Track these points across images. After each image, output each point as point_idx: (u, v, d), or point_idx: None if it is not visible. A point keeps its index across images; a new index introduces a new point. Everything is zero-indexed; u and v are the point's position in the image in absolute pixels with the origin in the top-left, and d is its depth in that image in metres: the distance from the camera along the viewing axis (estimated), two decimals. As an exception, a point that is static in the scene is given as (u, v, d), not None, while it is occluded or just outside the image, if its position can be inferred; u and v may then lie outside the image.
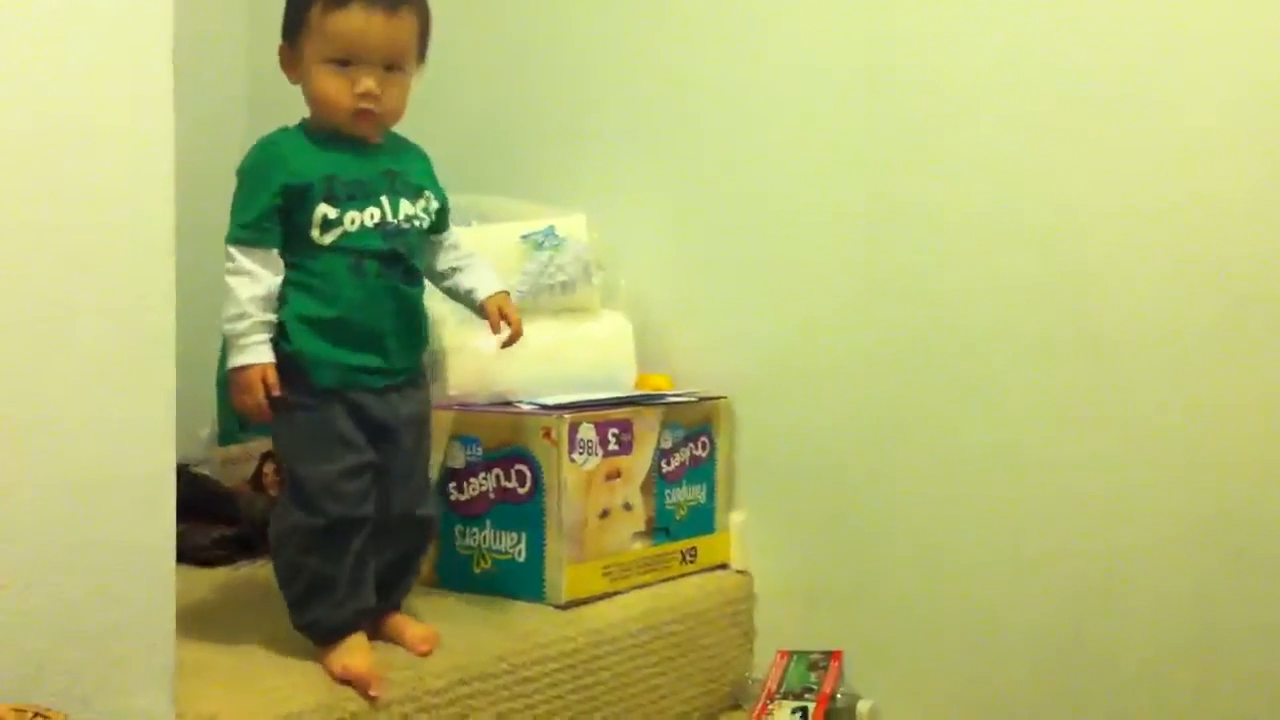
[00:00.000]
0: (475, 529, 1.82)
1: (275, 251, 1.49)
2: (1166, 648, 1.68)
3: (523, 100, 2.23)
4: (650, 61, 2.09)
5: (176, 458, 1.32)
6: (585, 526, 1.79)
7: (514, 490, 1.78)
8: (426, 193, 1.59)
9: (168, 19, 1.27)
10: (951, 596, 1.83)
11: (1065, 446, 1.74)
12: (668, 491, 1.91)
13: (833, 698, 1.85)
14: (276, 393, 1.46)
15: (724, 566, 2.00)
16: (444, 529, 1.84)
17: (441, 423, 1.83)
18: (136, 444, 1.27)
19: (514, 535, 1.78)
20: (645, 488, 1.88)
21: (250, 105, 2.42)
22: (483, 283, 1.64)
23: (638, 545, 1.87)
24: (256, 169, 1.50)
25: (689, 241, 2.05)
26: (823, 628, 1.93)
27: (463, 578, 1.82)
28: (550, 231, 1.94)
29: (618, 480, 1.84)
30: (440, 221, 1.62)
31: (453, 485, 1.83)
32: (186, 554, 1.62)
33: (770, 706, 1.85)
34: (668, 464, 1.91)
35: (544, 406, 1.80)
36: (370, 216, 1.51)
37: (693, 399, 1.96)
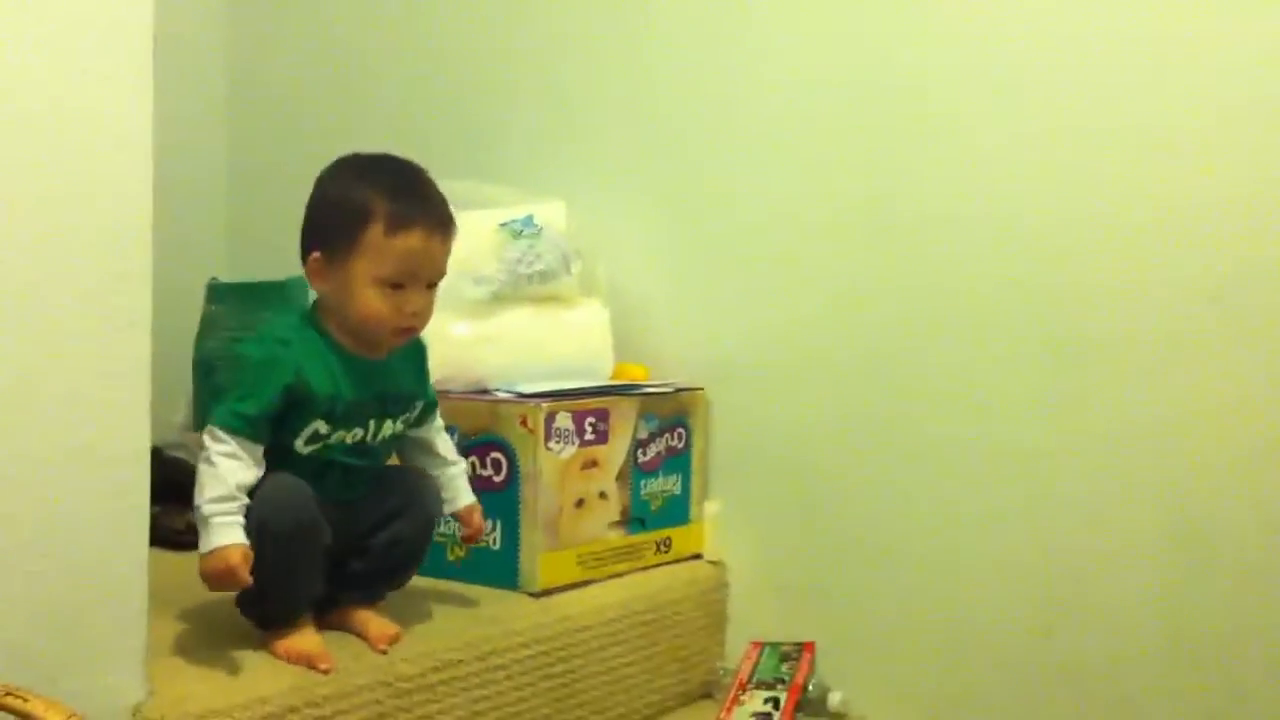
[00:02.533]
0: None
1: (262, 449, 1.45)
2: (1136, 648, 1.69)
3: (502, 86, 2.23)
4: (632, 50, 2.09)
5: (151, 440, 1.32)
6: (560, 515, 1.79)
7: (490, 478, 1.79)
8: (415, 402, 1.59)
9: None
10: (924, 591, 1.85)
11: (1040, 445, 1.75)
12: (643, 482, 1.92)
13: (804, 688, 1.86)
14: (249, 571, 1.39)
15: (698, 557, 2.00)
16: (419, 516, 1.84)
17: (418, 409, 1.84)
18: (110, 422, 1.27)
19: (489, 523, 1.78)
20: (621, 477, 1.88)
21: (230, 84, 2.41)
22: (460, 496, 1.66)
23: (613, 535, 1.88)
24: (268, 365, 1.46)
25: (668, 232, 2.06)
26: (795, 619, 1.94)
27: (438, 565, 1.82)
28: (529, 220, 1.93)
29: (594, 469, 1.84)
30: (422, 417, 1.63)
31: (428, 472, 1.83)
32: (161, 537, 1.61)
33: (742, 697, 1.86)
34: (644, 454, 1.91)
35: (521, 395, 1.80)
36: (353, 436, 1.52)
37: (670, 390, 1.97)
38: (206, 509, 1.40)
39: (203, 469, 1.42)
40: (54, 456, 1.22)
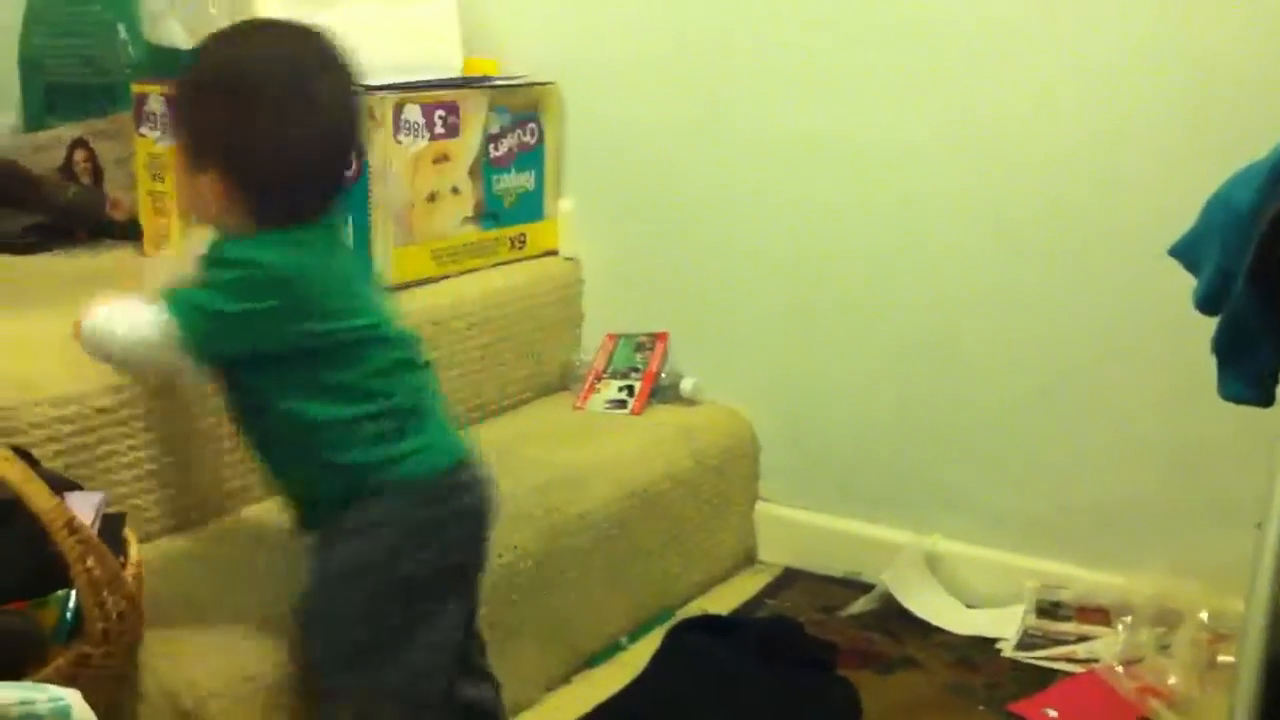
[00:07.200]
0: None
1: None
2: (969, 327, 1.76)
3: None
4: None
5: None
6: (412, 209, 1.78)
7: (338, 173, 1.75)
8: None
9: None
10: (767, 280, 1.89)
11: (892, 136, 1.76)
12: (496, 177, 1.90)
13: (658, 376, 1.92)
14: None
15: (553, 253, 2.02)
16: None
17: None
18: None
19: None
20: (473, 172, 1.87)
21: None
22: None
23: (467, 230, 1.87)
24: None
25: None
26: (649, 311, 1.98)
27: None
28: (370, -94, 1.84)
29: (445, 163, 1.82)
30: None
31: (275, 169, 1.79)
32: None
33: (598, 385, 1.91)
34: (496, 149, 1.90)
35: (367, 88, 1.74)
36: None
37: (521, 82, 1.93)
38: None
39: None
40: None
